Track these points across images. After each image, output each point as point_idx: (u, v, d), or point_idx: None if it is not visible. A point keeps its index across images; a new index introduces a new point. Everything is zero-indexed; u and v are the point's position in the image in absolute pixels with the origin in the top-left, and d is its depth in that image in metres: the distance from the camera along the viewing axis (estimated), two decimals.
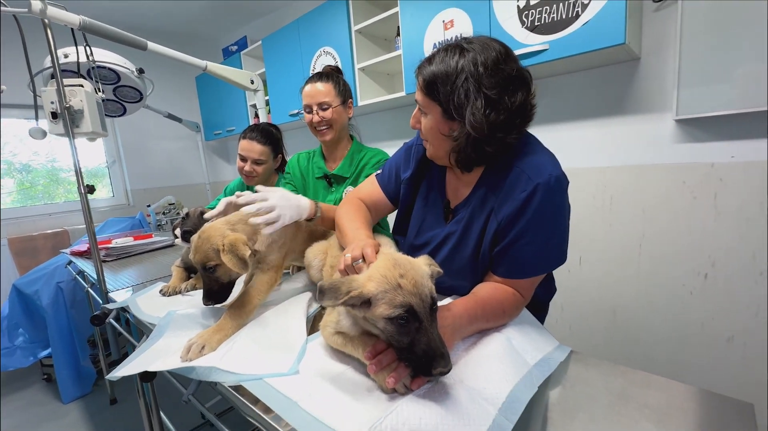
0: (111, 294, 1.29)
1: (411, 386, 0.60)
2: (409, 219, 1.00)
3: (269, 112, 2.87)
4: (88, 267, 1.69)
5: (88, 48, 1.44)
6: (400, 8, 1.91)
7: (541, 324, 0.86)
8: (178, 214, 3.18)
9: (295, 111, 2.63)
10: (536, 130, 0.85)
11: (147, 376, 0.78)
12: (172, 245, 2.05)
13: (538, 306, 0.97)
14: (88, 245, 1.94)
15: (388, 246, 1.01)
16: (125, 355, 2.52)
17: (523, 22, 1.49)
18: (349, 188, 1.40)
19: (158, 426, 1.37)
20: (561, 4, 1.38)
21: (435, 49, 0.82)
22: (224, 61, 3.32)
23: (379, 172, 1.09)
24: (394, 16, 1.97)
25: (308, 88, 1.36)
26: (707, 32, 1.33)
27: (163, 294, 1.16)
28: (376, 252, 0.71)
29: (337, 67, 1.45)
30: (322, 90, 1.34)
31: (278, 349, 0.75)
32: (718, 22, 1.31)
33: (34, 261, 2.84)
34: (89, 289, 1.75)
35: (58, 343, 2.25)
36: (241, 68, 3.04)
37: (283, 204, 0.96)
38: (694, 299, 1.55)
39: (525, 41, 1.48)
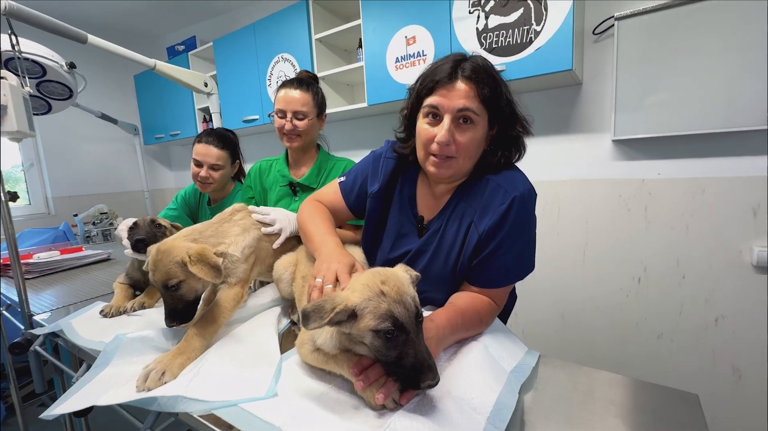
0: (40, 317, 1.12)
1: (400, 401, 0.59)
2: (381, 233, 0.99)
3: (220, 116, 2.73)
4: (5, 285, 1.46)
5: (13, 37, 1.26)
6: (362, 21, 1.93)
7: (510, 331, 0.90)
8: (111, 224, 2.88)
9: (250, 116, 2.53)
10: None
11: (82, 411, 0.68)
12: (107, 259, 1.84)
13: (504, 314, 1.01)
14: (4, 259, 1.68)
15: (358, 256, 1.00)
16: (51, 384, 2.20)
17: (481, 44, 1.58)
18: None
19: None
20: (516, 30, 1.49)
21: (444, 60, 0.81)
22: (169, 61, 3.10)
23: (342, 179, 1.05)
24: (356, 28, 1.99)
25: (285, 93, 1.31)
26: (639, 62, 1.51)
27: (105, 315, 1.03)
28: (351, 272, 0.70)
29: (314, 75, 1.42)
30: (300, 98, 1.30)
31: (251, 371, 0.70)
32: (648, 54, 1.49)
33: None
34: (3, 311, 1.51)
35: None
36: (189, 69, 2.87)
37: (282, 218, 1.03)
38: (630, 301, 1.71)
39: None
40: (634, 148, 1.63)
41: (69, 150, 3.31)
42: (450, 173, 0.83)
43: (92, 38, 1.33)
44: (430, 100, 0.80)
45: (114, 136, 3.48)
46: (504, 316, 1.02)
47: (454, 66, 0.77)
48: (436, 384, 0.56)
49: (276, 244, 1.02)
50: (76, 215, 2.79)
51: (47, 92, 2.05)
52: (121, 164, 3.63)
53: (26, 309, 1.15)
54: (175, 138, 3.23)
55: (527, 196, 0.81)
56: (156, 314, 0.99)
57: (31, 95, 2.05)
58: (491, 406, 0.60)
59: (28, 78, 1.91)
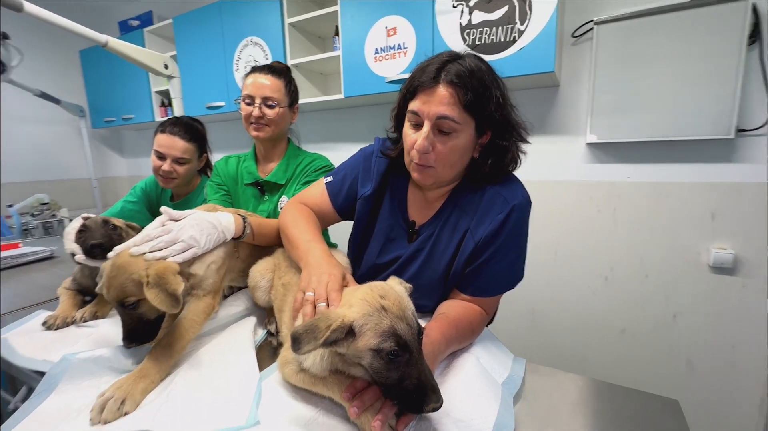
0: None
1: (397, 426, 0.54)
2: (369, 237, 0.94)
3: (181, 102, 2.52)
4: None
5: None
6: (340, 7, 1.83)
7: (496, 338, 0.88)
8: (53, 215, 2.59)
9: (215, 103, 2.35)
10: None
11: None
12: (50, 257, 1.64)
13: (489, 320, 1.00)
14: None
15: (342, 261, 0.94)
16: None
17: (464, 40, 1.54)
18: (284, 198, 1.27)
19: None
20: (500, 28, 1.47)
21: (429, 62, 0.75)
22: (121, 37, 2.81)
23: (329, 179, 0.98)
24: (333, 14, 1.89)
25: (254, 78, 1.21)
26: (616, 67, 1.55)
27: (48, 327, 0.90)
28: (342, 286, 0.65)
29: (287, 66, 1.31)
30: (270, 85, 1.20)
31: (227, 394, 0.63)
32: (625, 60, 1.53)
33: None
34: None
35: None
36: (144, 47, 2.62)
37: (190, 231, 0.77)
38: (596, 298, 1.78)
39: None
40: (606, 151, 1.68)
41: (4, 132, 2.93)
42: (431, 181, 0.80)
43: (29, 6, 1.15)
44: (412, 105, 0.75)
45: (56, 118, 3.13)
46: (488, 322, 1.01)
47: (439, 68, 0.72)
48: (440, 406, 0.52)
49: (180, 258, 0.75)
50: (10, 205, 2.48)
51: None
52: (65, 149, 3.28)
53: None
54: (128, 122, 2.96)
55: (525, 205, 0.80)
56: (111, 326, 0.86)
57: None
58: (491, 426, 0.57)
59: None
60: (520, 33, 1.43)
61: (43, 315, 0.95)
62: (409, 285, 0.64)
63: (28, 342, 0.84)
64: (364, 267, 0.93)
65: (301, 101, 2.07)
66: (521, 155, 0.84)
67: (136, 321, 0.70)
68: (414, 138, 0.76)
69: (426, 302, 0.86)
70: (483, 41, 1.51)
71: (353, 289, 0.60)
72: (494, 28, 1.47)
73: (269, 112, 1.20)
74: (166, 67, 1.63)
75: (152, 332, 0.72)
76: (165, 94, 2.78)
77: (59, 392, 0.65)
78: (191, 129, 1.36)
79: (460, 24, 1.54)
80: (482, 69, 0.74)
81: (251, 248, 0.98)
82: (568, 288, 1.84)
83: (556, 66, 1.46)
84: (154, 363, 0.67)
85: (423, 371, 0.52)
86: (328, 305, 0.60)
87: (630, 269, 1.70)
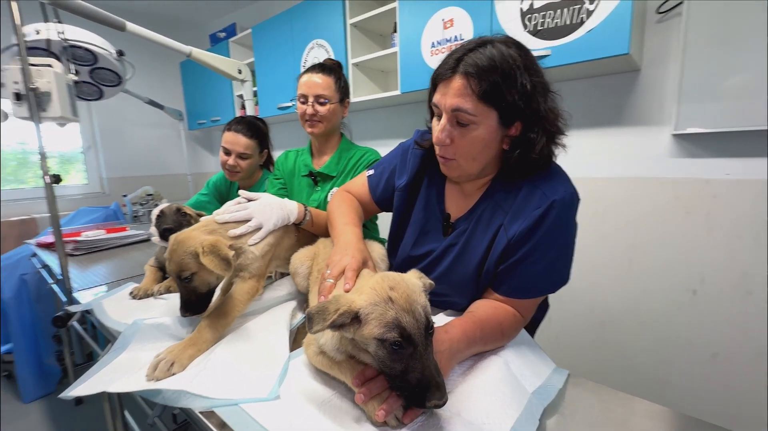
0: (76, 294, 1.19)
1: (403, 419, 0.54)
2: (405, 228, 0.94)
3: (257, 103, 2.77)
4: (53, 261, 1.57)
5: (59, 24, 1.32)
6: (398, 4, 1.84)
7: (537, 345, 0.82)
8: (156, 205, 3.04)
9: (285, 104, 2.53)
10: None
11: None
12: (148, 240, 1.93)
13: (531, 325, 0.93)
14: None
15: (378, 251, 0.95)
16: (90, 356, 2.38)
17: (525, 26, 1.44)
18: (335, 189, 1.34)
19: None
20: (565, 10, 1.34)
21: (454, 51, 0.72)
22: (211, 48, 3.18)
23: (371, 172, 1.03)
24: (391, 11, 1.90)
25: (307, 77, 1.29)
26: (711, 47, 1.31)
27: (134, 297, 1.06)
28: (360, 269, 0.67)
29: (338, 62, 1.38)
30: (322, 83, 1.28)
31: (257, 369, 0.68)
32: (722, 37, 1.29)
33: None
34: (53, 285, 1.63)
35: (20, 339, 2.11)
36: (229, 56, 2.92)
37: (263, 210, 0.90)
38: (682, 314, 1.54)
39: (526, 45, 1.44)
40: (698, 144, 1.44)
41: (121, 133, 3.52)
42: (456, 174, 0.79)
43: (130, 25, 1.37)
44: (434, 97, 0.74)
45: (161, 121, 3.65)
46: (531, 328, 0.94)
47: (459, 58, 0.69)
48: (443, 404, 0.51)
49: (253, 240, 0.89)
50: (125, 196, 2.97)
51: (99, 79, 2.16)
52: (167, 148, 3.82)
53: (68, 285, 1.22)
54: (216, 124, 3.33)
55: (568, 201, 0.73)
56: (177, 299, 1.00)
57: (84, 82, 2.18)
58: None
59: (82, 65, 2.02)
60: (589, 13, 1.29)
61: (131, 286, 1.12)
62: (429, 282, 0.63)
63: (117, 308, 1.00)
64: (399, 259, 0.94)
65: (359, 98, 2.14)
66: (559, 149, 0.76)
67: (190, 293, 0.79)
68: (436, 130, 0.75)
69: (458, 299, 0.84)
70: (546, 26, 1.39)
71: (368, 276, 0.61)
72: (558, 11, 1.35)
73: (321, 109, 1.28)
74: (240, 72, 1.80)
75: (203, 305, 0.81)
76: (242, 97, 3.07)
77: (129, 350, 0.77)
78: (253, 127, 1.50)
79: (521, 9, 1.44)
80: (507, 55, 0.69)
81: (296, 237, 1.05)
82: (646, 300, 1.62)
83: (633, 47, 1.29)
84: (202, 335, 0.76)
85: (428, 366, 0.51)
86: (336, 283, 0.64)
87: (727, 283, 1.44)
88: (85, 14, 1.24)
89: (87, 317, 1.14)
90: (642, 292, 1.63)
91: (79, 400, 2.17)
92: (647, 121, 1.54)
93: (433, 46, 1.73)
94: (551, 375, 0.73)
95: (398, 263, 0.94)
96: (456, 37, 1.64)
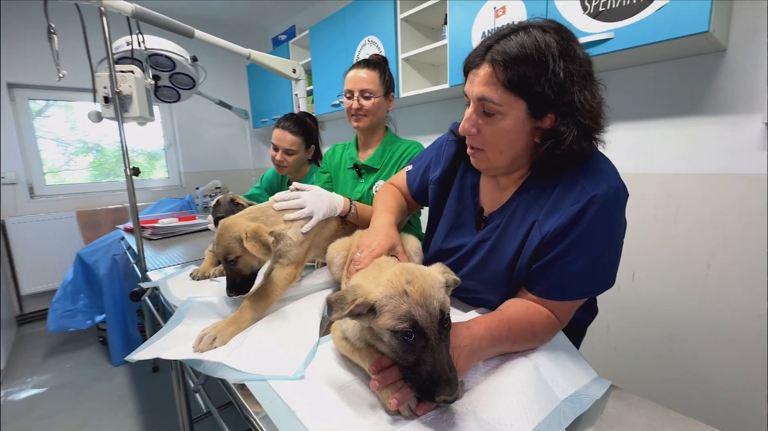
0: (149, 273, 1.35)
1: (416, 410, 0.54)
2: (438, 221, 0.93)
3: (312, 101, 2.89)
4: (134, 243, 1.80)
5: (140, 35, 1.50)
6: None
7: (577, 351, 0.76)
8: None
9: (337, 101, 2.61)
10: None
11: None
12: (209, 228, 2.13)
13: (575, 330, 0.87)
14: (140, 222, 2.08)
15: (413, 244, 0.96)
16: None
17: (585, 8, 1.33)
18: (380, 182, 1.36)
19: (184, 399, 1.44)
20: None
21: (488, 38, 0.69)
22: (273, 50, 3.38)
23: (410, 167, 1.05)
24: (442, 3, 1.87)
25: (353, 73, 1.33)
26: None
27: (193, 278, 1.18)
28: (382, 255, 0.69)
29: (384, 57, 1.40)
30: (367, 78, 1.31)
31: (288, 349, 0.73)
32: None
33: (96, 234, 3.11)
34: (134, 265, 1.87)
35: (111, 311, 2.45)
36: (289, 57, 3.08)
37: (314, 200, 0.97)
38: None
39: (586, 29, 1.33)
40: None
41: (196, 132, 3.90)
42: (484, 166, 0.76)
43: (198, 33, 1.51)
44: (465, 86, 0.72)
45: (229, 120, 3.98)
46: (573, 332, 0.88)
47: (489, 45, 0.67)
48: (453, 401, 0.50)
49: (305, 228, 0.95)
50: (197, 188, 3.29)
51: (177, 83, 2.41)
52: (234, 145, 4.15)
53: (143, 265, 1.39)
54: (276, 122, 3.54)
55: (612, 196, 0.66)
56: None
57: (165, 86, 2.45)
58: None
59: (163, 71, 2.28)
60: None
61: (192, 268, 1.25)
62: (454, 278, 0.61)
63: (179, 287, 1.12)
64: (430, 252, 0.93)
65: (408, 93, 2.14)
66: (596, 144, 0.70)
67: (235, 275, 0.87)
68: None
69: (491, 297, 0.81)
70: (609, 6, 1.27)
71: (388, 266, 0.61)
72: None
73: (366, 103, 1.30)
74: (294, 71, 1.90)
75: (247, 286, 0.88)
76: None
77: (183, 324, 0.86)
78: (301, 123, 1.57)
79: None
80: (541, 41, 0.64)
81: (335, 229, 1.09)
82: (725, 314, 1.42)
83: (715, 24, 1.13)
84: (243, 314, 0.83)
85: (440, 360, 0.51)
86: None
87: None
88: (161, 24, 1.40)
89: (157, 293, 1.29)
90: (721, 304, 1.43)
91: (155, 368, 2.47)
92: (733, 108, 1.34)
93: (483, 36, 1.67)
94: (589, 385, 0.68)
95: (429, 256, 0.93)
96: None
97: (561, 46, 0.64)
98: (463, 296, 0.90)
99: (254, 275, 0.90)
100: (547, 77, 0.63)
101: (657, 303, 1.58)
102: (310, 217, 0.96)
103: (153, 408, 2.13)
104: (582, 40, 1.32)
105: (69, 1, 1.25)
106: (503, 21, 1.58)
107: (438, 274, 0.60)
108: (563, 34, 0.66)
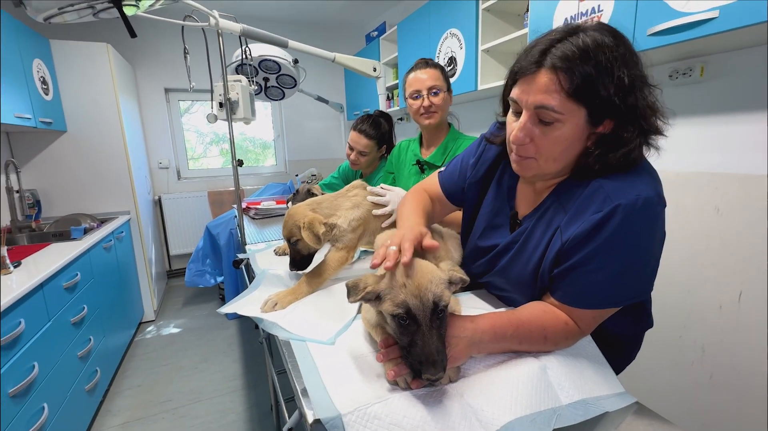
0: (247, 246, 1.66)
1: (411, 384, 0.63)
2: (475, 220, 0.96)
3: (388, 98, 3.00)
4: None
5: (247, 48, 1.80)
6: None
7: (606, 363, 0.74)
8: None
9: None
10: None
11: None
12: None
13: (617, 341, 0.83)
14: (247, 203, 2.50)
15: (452, 239, 1.01)
16: None
17: None
18: None
19: (269, 354, 1.73)
20: None
21: (537, 41, 0.67)
22: (366, 47, 3.57)
23: (443, 168, 1.05)
24: None
25: (417, 74, 1.39)
26: None
27: (276, 253, 1.43)
28: (414, 240, 0.68)
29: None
30: (431, 75, 1.37)
31: (328, 320, 0.87)
32: None
33: (220, 210, 3.80)
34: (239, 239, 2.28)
35: (227, 274, 3.01)
36: (379, 53, 3.23)
37: (396, 200, 1.10)
38: None
39: (683, 9, 1.15)
40: None
41: (298, 124, 4.39)
42: (531, 173, 0.74)
43: (291, 42, 1.74)
44: (513, 92, 0.70)
45: (327, 114, 4.37)
46: (621, 343, 0.84)
47: (544, 50, 0.63)
48: (437, 380, 0.58)
49: (386, 224, 1.13)
50: (297, 175, 3.73)
51: (282, 83, 2.78)
52: (330, 136, 4.54)
53: (242, 239, 1.71)
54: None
55: (640, 206, 0.63)
56: None
57: (273, 86, 2.83)
58: (498, 427, 0.56)
59: (271, 74, 2.65)
60: None
61: (275, 245, 1.50)
62: (460, 277, 0.66)
63: (263, 259, 1.37)
64: (467, 248, 0.97)
65: (486, 86, 2.10)
66: (651, 149, 0.66)
67: (296, 254, 1.05)
68: (513, 127, 0.72)
69: (518, 297, 0.83)
70: None
71: (413, 262, 0.67)
72: None
73: (435, 100, 1.36)
74: (375, 69, 2.03)
75: (305, 264, 1.06)
76: (389, 89, 3.35)
77: (258, 290, 1.08)
78: (376, 126, 1.70)
79: None
80: (603, 45, 0.62)
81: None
82: None
83: None
84: (301, 287, 1.00)
85: (428, 344, 0.58)
86: (400, 251, 0.65)
87: None
88: (262, 39, 1.66)
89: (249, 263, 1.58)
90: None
91: (256, 325, 2.96)
92: None
93: (566, 21, 1.55)
94: (605, 397, 0.67)
95: (467, 252, 0.97)
96: (594, 9, 1.43)
97: (621, 48, 0.62)
98: (496, 293, 0.93)
99: (311, 255, 1.07)
100: (612, 82, 0.61)
101: (690, 319, 1.32)
102: (391, 213, 1.12)
103: (252, 356, 2.59)
104: (677, 22, 1.16)
105: (198, 26, 1.58)
106: (587, 5, 1.44)
107: (442, 272, 0.66)
108: (619, 37, 0.64)
